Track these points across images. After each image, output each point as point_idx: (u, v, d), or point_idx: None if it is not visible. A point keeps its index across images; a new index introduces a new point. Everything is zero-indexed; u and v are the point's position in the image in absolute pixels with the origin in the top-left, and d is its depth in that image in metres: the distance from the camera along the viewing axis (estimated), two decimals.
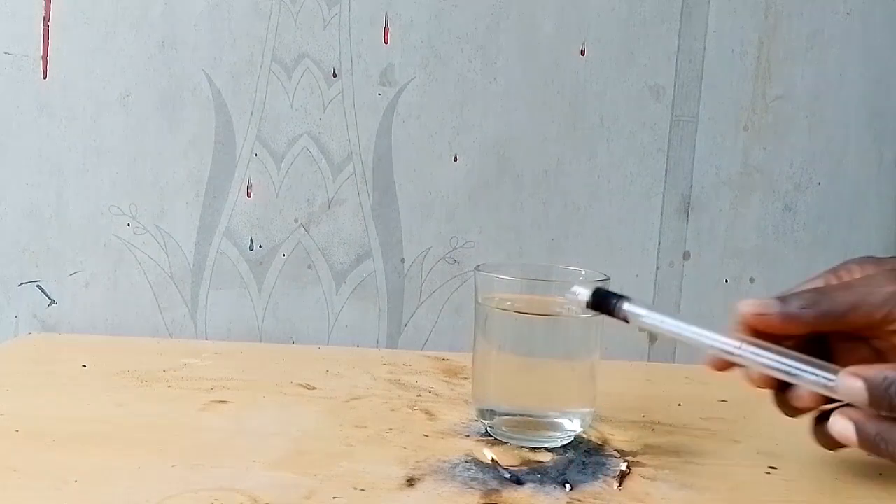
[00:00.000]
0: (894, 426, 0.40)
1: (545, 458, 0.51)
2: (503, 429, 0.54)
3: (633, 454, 0.53)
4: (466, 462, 0.50)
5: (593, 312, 0.47)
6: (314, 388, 0.64)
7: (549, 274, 0.59)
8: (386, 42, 0.77)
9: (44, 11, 0.76)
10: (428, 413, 0.59)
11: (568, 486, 0.47)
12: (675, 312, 0.48)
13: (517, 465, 0.50)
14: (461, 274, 0.79)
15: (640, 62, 0.78)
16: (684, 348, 0.80)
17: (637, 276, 0.80)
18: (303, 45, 0.77)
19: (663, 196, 0.79)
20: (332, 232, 0.79)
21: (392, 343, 0.80)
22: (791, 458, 0.54)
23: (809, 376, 0.41)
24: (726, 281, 0.80)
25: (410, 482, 0.47)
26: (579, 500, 0.45)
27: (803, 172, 0.79)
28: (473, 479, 0.47)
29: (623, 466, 0.50)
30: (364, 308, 0.80)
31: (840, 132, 0.79)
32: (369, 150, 0.78)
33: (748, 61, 0.78)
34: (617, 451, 0.53)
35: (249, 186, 0.78)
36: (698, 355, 0.83)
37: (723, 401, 0.66)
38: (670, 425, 0.59)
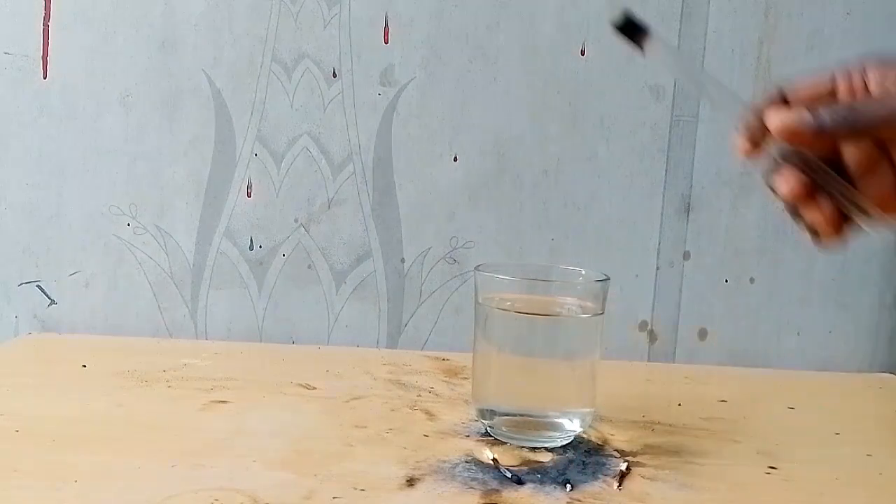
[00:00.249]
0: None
1: (545, 458, 0.51)
2: (503, 429, 0.54)
3: (633, 454, 0.53)
4: (466, 462, 0.50)
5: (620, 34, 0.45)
6: (314, 388, 0.64)
7: (549, 274, 0.59)
8: (386, 42, 0.77)
9: (44, 11, 0.76)
10: (428, 413, 0.59)
11: (569, 486, 0.47)
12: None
13: (517, 465, 0.50)
14: (461, 274, 0.79)
15: (640, 62, 0.77)
16: (684, 348, 0.80)
17: (637, 276, 0.80)
18: (303, 45, 0.77)
19: (663, 196, 0.79)
20: (332, 232, 0.79)
21: (392, 343, 0.80)
22: (791, 458, 0.54)
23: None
24: (726, 281, 0.80)
25: (410, 482, 0.47)
26: (579, 500, 0.45)
27: None
28: (473, 479, 0.47)
29: (623, 466, 0.50)
30: (364, 308, 0.80)
31: None
32: (369, 150, 0.78)
33: (748, 61, 0.78)
34: (617, 451, 0.53)
35: (249, 186, 0.78)
36: (698, 355, 0.83)
37: (723, 401, 0.66)
38: (670, 425, 0.59)
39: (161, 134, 0.77)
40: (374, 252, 0.79)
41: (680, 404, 0.65)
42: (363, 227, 0.79)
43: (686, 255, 0.80)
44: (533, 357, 0.53)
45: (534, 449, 0.52)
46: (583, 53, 0.77)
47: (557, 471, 0.49)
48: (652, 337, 0.80)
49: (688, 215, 0.79)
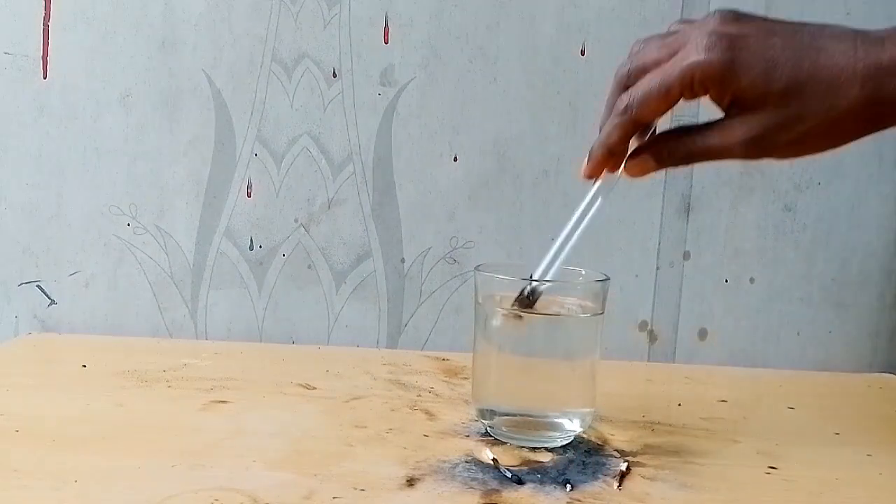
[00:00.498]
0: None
1: (545, 458, 0.51)
2: (503, 429, 0.54)
3: (633, 454, 0.53)
4: (466, 462, 0.50)
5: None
6: (314, 388, 0.64)
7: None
8: (386, 42, 0.77)
9: (44, 11, 0.76)
10: (428, 413, 0.59)
11: (569, 486, 0.47)
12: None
13: (517, 465, 0.50)
14: (461, 274, 0.79)
15: None
16: (684, 348, 0.80)
17: (637, 276, 0.80)
18: (303, 45, 0.77)
19: (663, 196, 0.79)
20: (332, 232, 0.79)
21: (392, 343, 0.80)
22: (791, 458, 0.54)
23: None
24: (726, 281, 0.80)
25: (410, 482, 0.47)
26: (579, 500, 0.45)
27: (803, 172, 0.79)
28: (473, 479, 0.47)
29: (623, 466, 0.50)
30: (364, 308, 0.80)
31: None
32: (369, 150, 0.78)
33: None
34: (617, 451, 0.53)
35: (249, 186, 0.78)
36: (698, 355, 0.84)
37: (723, 401, 0.66)
38: (670, 425, 0.59)
39: (161, 134, 0.77)
40: (374, 252, 0.79)
41: (680, 404, 0.65)
42: (363, 227, 0.79)
43: (686, 255, 0.80)
44: (533, 357, 0.53)
45: (534, 449, 0.52)
46: (583, 53, 0.77)
47: (557, 471, 0.49)
48: (652, 337, 0.80)
49: (688, 215, 0.79)
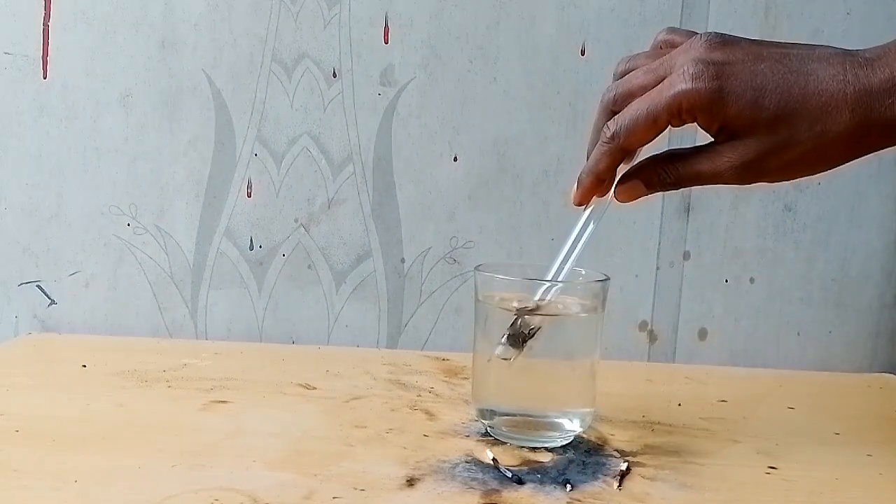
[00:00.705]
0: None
1: (545, 458, 0.51)
2: (503, 429, 0.54)
3: (633, 454, 0.53)
4: (466, 462, 0.50)
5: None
6: (314, 388, 0.64)
7: (549, 274, 0.59)
8: (386, 42, 0.77)
9: (44, 11, 0.76)
10: (428, 413, 0.59)
11: (569, 486, 0.47)
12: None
13: (517, 465, 0.50)
14: (461, 274, 0.79)
15: None
16: (684, 348, 0.80)
17: (637, 276, 0.80)
18: (303, 45, 0.77)
19: (663, 196, 0.79)
20: (332, 232, 0.79)
21: (392, 343, 0.80)
22: (791, 458, 0.54)
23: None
24: (726, 281, 0.80)
25: (410, 482, 0.47)
26: (579, 500, 0.45)
27: None
28: (473, 479, 0.47)
29: (623, 466, 0.50)
30: (364, 308, 0.80)
31: None
32: (369, 150, 0.78)
33: None
34: (617, 451, 0.53)
35: (249, 186, 0.78)
36: (698, 355, 0.84)
37: (723, 401, 0.66)
38: (670, 425, 0.59)
39: (161, 134, 0.77)
40: (374, 252, 0.79)
41: (680, 404, 0.65)
42: (363, 227, 0.79)
43: (686, 255, 0.80)
44: (533, 357, 0.53)
45: (534, 449, 0.52)
46: (583, 53, 0.77)
47: (557, 471, 0.49)
48: (652, 337, 0.80)
49: (688, 215, 0.79)
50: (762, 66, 0.42)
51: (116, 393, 0.60)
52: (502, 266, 0.55)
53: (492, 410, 0.54)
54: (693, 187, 0.78)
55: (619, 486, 0.48)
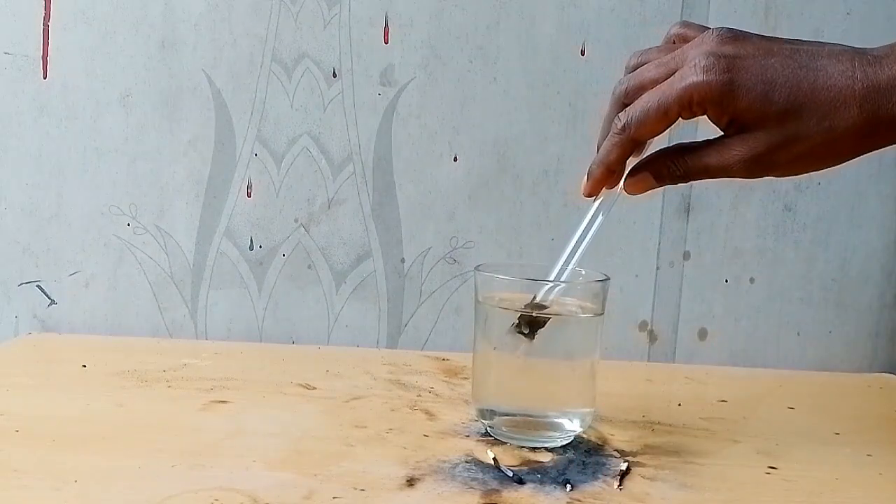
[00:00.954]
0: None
1: (545, 458, 0.51)
2: (503, 429, 0.54)
3: (633, 454, 0.53)
4: (466, 462, 0.50)
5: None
6: (314, 388, 0.64)
7: (548, 274, 0.59)
8: (386, 42, 0.77)
9: (44, 11, 0.76)
10: (428, 413, 0.59)
11: (569, 486, 0.47)
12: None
13: (517, 465, 0.50)
14: (461, 274, 0.79)
15: None
16: (684, 348, 0.80)
17: (637, 276, 0.80)
18: (303, 45, 0.77)
19: (663, 196, 0.79)
20: (332, 232, 0.79)
21: (392, 343, 0.80)
22: (791, 458, 0.54)
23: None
24: (726, 281, 0.80)
25: (410, 482, 0.47)
26: (579, 500, 0.45)
27: None
28: (473, 479, 0.47)
29: (623, 466, 0.50)
30: (364, 308, 0.80)
31: None
32: (369, 150, 0.78)
33: None
34: (617, 451, 0.53)
35: (249, 186, 0.78)
36: (698, 355, 0.84)
37: (723, 401, 0.66)
38: (670, 425, 0.59)
39: (161, 134, 0.77)
40: (374, 252, 0.79)
41: (680, 404, 0.65)
42: (363, 227, 0.79)
43: (686, 255, 0.80)
44: (533, 357, 0.53)
45: (534, 449, 0.52)
46: (583, 53, 0.77)
47: (557, 471, 0.49)
48: (652, 337, 0.80)
49: (688, 215, 0.79)
50: (772, 60, 0.43)
51: (116, 393, 0.60)
52: (502, 266, 0.56)
53: (492, 410, 0.54)
54: (694, 186, 0.79)
55: (620, 485, 0.48)
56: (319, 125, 0.78)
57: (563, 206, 0.78)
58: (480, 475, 0.48)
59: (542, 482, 0.47)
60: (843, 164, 0.45)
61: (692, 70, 0.43)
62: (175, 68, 0.77)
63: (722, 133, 0.45)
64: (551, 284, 0.52)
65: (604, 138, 0.48)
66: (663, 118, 0.44)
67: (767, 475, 0.51)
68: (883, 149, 0.44)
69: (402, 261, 0.79)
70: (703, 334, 0.80)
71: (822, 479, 0.50)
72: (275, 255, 0.79)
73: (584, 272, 0.55)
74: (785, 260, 0.80)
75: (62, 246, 0.78)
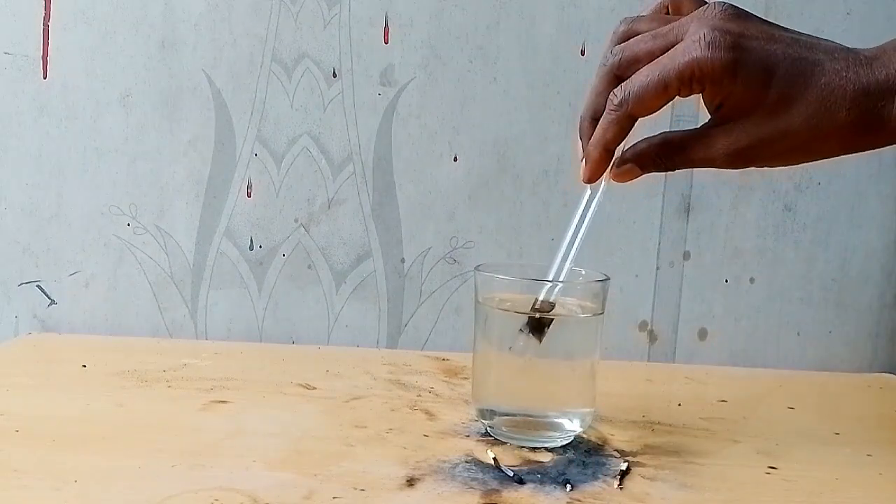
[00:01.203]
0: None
1: (545, 458, 0.51)
2: (503, 429, 0.54)
3: (633, 454, 0.53)
4: (466, 462, 0.50)
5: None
6: (314, 388, 0.64)
7: (549, 270, 0.59)
8: (386, 42, 0.77)
9: (44, 11, 0.76)
10: (428, 413, 0.59)
11: (569, 486, 0.47)
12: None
13: (517, 465, 0.50)
14: (461, 274, 0.79)
15: None
16: (684, 348, 0.80)
17: (637, 276, 0.80)
18: (303, 45, 0.77)
19: (663, 196, 0.79)
20: (332, 232, 0.79)
21: (392, 343, 0.80)
22: (791, 458, 0.54)
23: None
24: (726, 281, 0.80)
25: (410, 482, 0.47)
26: (579, 500, 0.45)
27: (803, 172, 0.79)
28: (473, 479, 0.47)
29: (623, 466, 0.50)
30: (364, 308, 0.80)
31: None
32: (369, 150, 0.78)
33: None
34: (617, 451, 0.53)
35: (249, 186, 0.78)
36: (698, 355, 0.84)
37: (723, 401, 0.66)
38: (670, 425, 0.59)
39: (161, 134, 0.77)
40: (374, 252, 0.79)
41: (680, 404, 0.65)
42: (363, 227, 0.79)
43: (686, 255, 0.80)
44: (533, 357, 0.53)
45: (534, 449, 0.52)
46: (583, 53, 0.77)
47: (557, 471, 0.49)
48: (652, 337, 0.80)
49: (688, 215, 0.79)
50: (775, 46, 0.42)
51: (116, 393, 0.60)
52: (502, 266, 0.55)
53: (492, 410, 0.54)
54: (694, 186, 0.79)
55: (620, 485, 0.48)
56: (319, 125, 0.78)
57: (563, 206, 0.78)
58: (480, 475, 0.48)
59: (542, 482, 0.47)
60: (840, 160, 0.45)
61: (695, 44, 0.41)
62: (175, 68, 0.77)
63: (709, 117, 0.45)
64: (551, 284, 0.52)
65: (589, 112, 0.47)
66: (662, 94, 0.43)
67: (767, 475, 0.51)
68: (881, 148, 0.44)
69: (402, 261, 0.79)
70: (703, 334, 0.80)
71: (822, 479, 0.50)
72: (275, 255, 0.79)
73: (584, 272, 0.55)
74: (785, 260, 0.80)
75: (62, 246, 0.78)
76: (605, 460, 0.51)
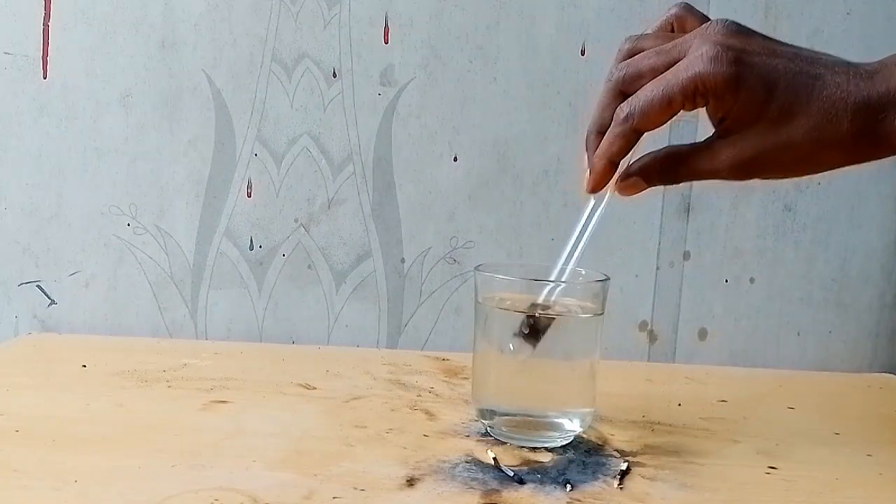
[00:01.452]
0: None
1: (545, 458, 0.51)
2: (503, 429, 0.54)
3: (633, 454, 0.53)
4: (466, 462, 0.50)
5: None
6: (314, 388, 0.64)
7: (549, 274, 0.59)
8: (386, 42, 0.77)
9: (44, 11, 0.76)
10: (428, 413, 0.59)
11: (569, 486, 0.47)
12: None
13: (517, 465, 0.50)
14: (461, 274, 0.79)
15: None
16: (684, 348, 0.80)
17: (637, 276, 0.80)
18: (303, 45, 0.77)
19: (663, 196, 0.79)
20: (332, 232, 0.79)
21: (392, 343, 0.80)
22: (791, 458, 0.54)
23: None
24: (726, 281, 0.80)
25: (410, 482, 0.47)
26: (579, 500, 0.45)
27: None
28: (473, 479, 0.47)
29: (623, 466, 0.50)
30: (364, 308, 0.80)
31: None
32: (369, 150, 0.78)
33: None
34: (617, 451, 0.53)
35: (249, 186, 0.78)
36: (698, 355, 0.84)
37: (723, 401, 0.66)
38: (670, 425, 0.59)
39: (161, 134, 0.77)
40: (374, 252, 0.79)
41: (680, 404, 0.65)
42: (363, 227, 0.79)
43: (686, 255, 0.80)
44: (533, 357, 0.53)
45: (534, 449, 0.52)
46: (583, 53, 0.77)
47: (557, 471, 0.49)
48: (652, 337, 0.80)
49: (688, 215, 0.79)
50: (776, 61, 0.43)
51: (116, 393, 0.60)
52: (502, 266, 0.55)
53: (492, 410, 0.54)
54: (694, 186, 0.79)
55: (620, 485, 0.48)
56: (319, 125, 0.78)
57: (563, 206, 0.78)
58: (480, 475, 0.48)
59: (542, 482, 0.47)
60: (830, 171, 0.45)
61: (698, 59, 0.42)
62: (175, 68, 0.77)
63: (713, 130, 0.45)
64: (552, 285, 0.52)
65: (595, 126, 0.48)
66: (667, 108, 0.44)
67: (767, 475, 0.51)
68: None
69: (402, 261, 0.79)
70: (703, 334, 0.80)
71: (822, 479, 0.50)
72: (275, 255, 0.79)
73: (584, 272, 0.55)
74: (785, 260, 0.80)
75: (62, 246, 0.78)
76: (605, 460, 0.51)
